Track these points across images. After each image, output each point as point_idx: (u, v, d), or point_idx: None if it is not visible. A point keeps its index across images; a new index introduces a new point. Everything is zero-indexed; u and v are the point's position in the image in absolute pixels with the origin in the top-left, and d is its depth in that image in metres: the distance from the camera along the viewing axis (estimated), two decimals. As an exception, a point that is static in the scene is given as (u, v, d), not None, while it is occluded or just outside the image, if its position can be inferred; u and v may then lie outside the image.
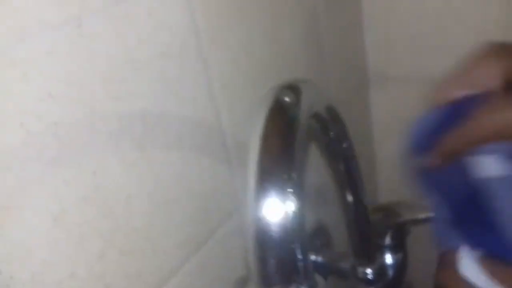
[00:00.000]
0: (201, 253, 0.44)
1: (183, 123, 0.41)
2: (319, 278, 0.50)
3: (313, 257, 0.50)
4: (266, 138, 0.31)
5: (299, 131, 0.31)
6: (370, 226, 0.45)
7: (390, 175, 0.80)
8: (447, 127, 0.32)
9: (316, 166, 0.55)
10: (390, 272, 0.52)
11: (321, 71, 0.62)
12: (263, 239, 0.28)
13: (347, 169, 0.41)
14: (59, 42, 0.30)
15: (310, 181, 0.55)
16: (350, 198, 0.42)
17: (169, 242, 0.40)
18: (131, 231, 0.37)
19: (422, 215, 0.58)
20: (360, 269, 0.47)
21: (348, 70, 0.69)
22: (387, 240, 0.54)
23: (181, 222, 0.42)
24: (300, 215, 0.28)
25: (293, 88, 0.34)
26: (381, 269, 0.47)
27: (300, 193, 0.29)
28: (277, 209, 0.28)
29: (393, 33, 0.69)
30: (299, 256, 0.27)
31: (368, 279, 0.47)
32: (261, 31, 0.49)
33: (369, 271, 0.47)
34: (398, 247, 0.55)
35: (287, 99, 0.32)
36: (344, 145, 0.40)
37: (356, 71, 0.72)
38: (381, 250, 0.52)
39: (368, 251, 0.47)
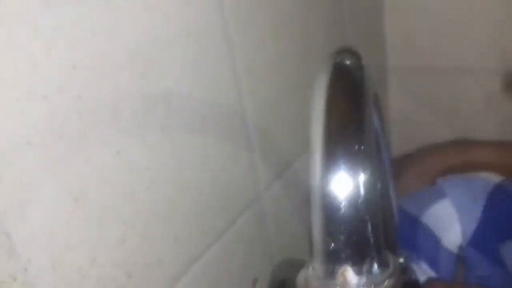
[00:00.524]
0: (222, 241, 0.42)
1: (206, 106, 0.39)
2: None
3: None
4: (331, 103, 0.27)
5: (369, 97, 0.28)
6: (397, 214, 0.43)
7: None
8: None
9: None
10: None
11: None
12: (331, 217, 0.25)
13: (379, 155, 0.39)
14: (85, 11, 0.28)
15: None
16: (379, 183, 0.40)
17: (190, 229, 0.39)
18: (152, 216, 0.35)
19: None
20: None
21: (368, 60, 0.67)
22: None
23: (203, 209, 0.40)
24: (373, 189, 0.25)
25: (353, 52, 0.30)
26: (404, 262, 0.45)
27: (373, 165, 0.26)
28: (347, 183, 0.25)
29: (413, 24, 0.68)
30: (371, 233, 0.25)
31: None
32: (288, 15, 0.47)
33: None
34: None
35: (349, 62, 0.29)
36: (379, 128, 0.37)
37: (376, 61, 0.70)
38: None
39: (393, 243, 0.45)
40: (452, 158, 0.65)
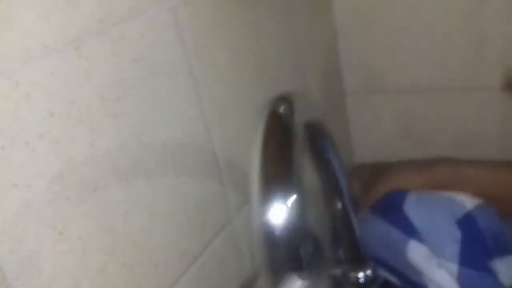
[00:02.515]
0: (198, 264, 0.45)
1: (175, 140, 0.42)
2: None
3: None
4: (266, 147, 0.33)
5: (296, 139, 0.33)
6: (359, 230, 0.47)
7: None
8: None
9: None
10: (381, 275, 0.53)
11: (302, 87, 0.64)
12: (270, 240, 0.31)
13: (334, 174, 0.43)
14: (60, 63, 0.31)
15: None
16: (339, 203, 0.44)
17: (167, 254, 0.41)
18: (130, 245, 0.38)
19: None
20: (352, 274, 0.48)
21: (326, 84, 0.71)
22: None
23: (177, 235, 0.43)
24: (303, 215, 0.31)
25: (287, 99, 0.36)
26: (372, 273, 0.49)
27: (301, 196, 0.32)
28: (281, 212, 0.31)
29: (366, 49, 0.72)
30: (304, 250, 0.30)
31: (360, 283, 0.48)
32: (247, 50, 0.51)
33: (360, 275, 0.48)
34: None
35: (282, 109, 0.35)
36: (331, 153, 0.41)
37: (333, 84, 0.74)
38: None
39: (359, 256, 0.48)
40: (437, 174, 0.63)
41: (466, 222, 0.57)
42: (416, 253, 0.57)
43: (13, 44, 0.28)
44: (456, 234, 0.57)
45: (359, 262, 0.50)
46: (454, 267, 0.55)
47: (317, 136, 0.42)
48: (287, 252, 0.30)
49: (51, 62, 0.30)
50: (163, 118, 0.40)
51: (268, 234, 0.31)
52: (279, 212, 0.31)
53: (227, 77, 0.48)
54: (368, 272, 0.50)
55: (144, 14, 0.37)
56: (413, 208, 0.59)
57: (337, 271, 0.50)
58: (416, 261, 0.57)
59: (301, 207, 0.31)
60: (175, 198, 0.42)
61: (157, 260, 0.40)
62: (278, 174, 0.32)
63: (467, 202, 0.59)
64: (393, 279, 0.59)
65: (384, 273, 0.59)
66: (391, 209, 0.60)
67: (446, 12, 0.65)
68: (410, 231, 0.58)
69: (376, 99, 0.75)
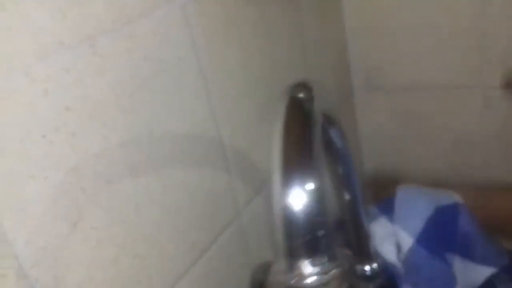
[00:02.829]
0: (206, 257, 0.46)
1: (185, 135, 0.43)
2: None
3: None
4: (287, 132, 0.34)
5: (316, 125, 0.34)
6: (366, 225, 0.47)
7: (379, 179, 0.83)
8: None
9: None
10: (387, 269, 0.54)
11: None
12: (290, 223, 0.32)
13: (344, 169, 0.43)
14: (75, 60, 0.32)
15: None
16: (347, 195, 0.45)
17: (175, 248, 0.42)
18: (141, 238, 0.39)
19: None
20: (358, 267, 0.49)
21: (334, 80, 0.72)
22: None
23: (186, 228, 0.44)
24: (322, 199, 0.32)
25: (306, 86, 0.37)
26: (378, 266, 0.49)
27: (321, 182, 0.32)
28: (301, 197, 0.32)
29: (374, 45, 0.73)
30: (323, 234, 0.31)
31: (367, 276, 0.49)
32: (256, 47, 0.51)
33: (367, 268, 0.49)
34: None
35: (302, 95, 0.36)
36: (341, 143, 0.42)
37: (342, 83, 0.75)
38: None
39: (365, 249, 0.49)
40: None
41: (444, 211, 0.57)
42: (379, 225, 0.57)
43: (30, 41, 0.29)
44: (427, 214, 0.56)
45: (366, 255, 0.51)
46: (409, 240, 0.55)
47: (328, 126, 0.43)
48: (305, 237, 0.31)
49: (66, 58, 0.31)
50: (173, 113, 0.41)
51: (287, 218, 0.32)
52: (299, 198, 0.32)
53: (236, 74, 0.49)
54: (375, 265, 0.51)
55: (155, 13, 0.38)
56: (401, 196, 0.59)
57: (344, 263, 0.51)
58: (377, 233, 0.57)
59: (321, 194, 0.32)
60: (184, 191, 0.43)
61: (167, 252, 0.41)
62: (299, 159, 0.33)
63: (456, 197, 0.59)
64: None
65: None
66: (386, 201, 0.60)
67: (451, 12, 0.65)
68: (387, 211, 0.58)
69: (382, 96, 0.75)
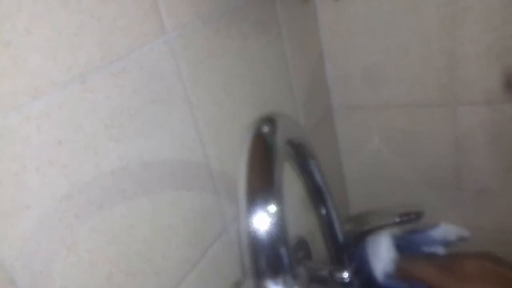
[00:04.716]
0: (196, 271, 0.46)
1: (174, 158, 0.43)
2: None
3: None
4: (250, 164, 0.36)
5: (277, 156, 0.34)
6: (342, 234, 0.48)
7: (358, 190, 0.83)
8: None
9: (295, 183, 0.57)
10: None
11: (292, 104, 0.65)
12: (255, 245, 0.33)
13: (316, 184, 0.44)
14: (67, 97, 0.32)
15: (294, 196, 0.58)
16: (323, 210, 0.46)
17: (167, 263, 0.42)
18: (134, 255, 0.39)
19: (386, 222, 0.62)
20: (337, 274, 0.50)
21: (314, 102, 0.72)
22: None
23: (177, 245, 0.44)
24: (283, 223, 0.33)
25: (270, 120, 0.38)
26: (356, 272, 0.50)
27: (282, 206, 0.34)
28: (264, 221, 0.33)
29: (349, 68, 0.73)
30: (284, 255, 0.33)
31: (345, 282, 0.49)
32: (239, 74, 0.52)
33: (345, 275, 0.49)
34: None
35: (265, 129, 0.36)
36: (312, 163, 0.43)
37: (321, 102, 0.75)
38: (355, 255, 0.54)
39: (343, 257, 0.50)
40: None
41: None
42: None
43: (23, 82, 0.29)
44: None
45: (344, 262, 0.51)
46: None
47: (301, 154, 0.44)
48: (269, 257, 0.32)
49: (58, 96, 0.32)
50: (162, 139, 0.42)
51: (252, 240, 0.33)
52: (263, 220, 0.33)
53: (221, 99, 0.49)
54: (349, 271, 0.52)
55: (142, 48, 0.38)
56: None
57: (324, 273, 0.51)
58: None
59: (282, 216, 0.33)
60: (175, 211, 0.43)
61: (158, 268, 0.41)
62: (261, 187, 0.34)
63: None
64: None
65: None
66: None
67: (421, 35, 0.66)
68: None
69: (359, 114, 0.76)
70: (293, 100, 0.65)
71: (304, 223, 0.63)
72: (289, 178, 0.56)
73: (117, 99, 0.36)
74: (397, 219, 0.59)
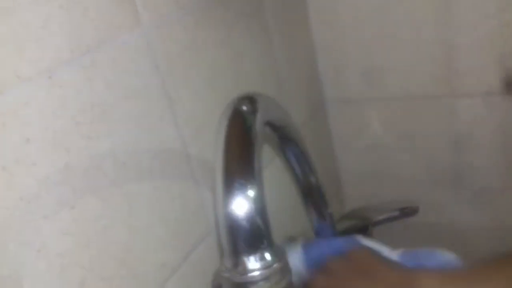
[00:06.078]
0: (178, 274, 0.46)
1: (152, 156, 0.44)
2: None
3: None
4: (228, 144, 0.36)
5: (257, 136, 0.35)
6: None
7: (353, 186, 0.84)
8: None
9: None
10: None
11: (280, 97, 0.65)
12: (232, 222, 0.34)
13: (299, 166, 0.46)
14: (34, 93, 0.32)
15: (286, 197, 0.59)
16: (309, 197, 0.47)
17: (146, 267, 0.43)
18: (109, 259, 0.39)
19: (381, 217, 0.63)
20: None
21: (306, 95, 0.73)
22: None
23: (157, 247, 0.44)
24: (261, 200, 0.34)
25: (250, 99, 0.38)
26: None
27: (260, 184, 0.35)
28: (242, 198, 0.34)
29: (342, 60, 0.74)
30: (262, 231, 0.34)
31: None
32: (222, 68, 0.52)
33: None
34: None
35: (245, 108, 0.37)
36: (294, 145, 0.44)
37: (312, 95, 0.76)
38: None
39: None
40: None
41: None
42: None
43: (-13, 78, 0.30)
44: None
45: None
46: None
47: (283, 136, 0.45)
48: (247, 235, 0.34)
49: (25, 91, 0.32)
50: (139, 137, 0.42)
51: (230, 217, 0.34)
52: (240, 198, 0.34)
53: (202, 94, 0.49)
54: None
55: (115, 41, 0.39)
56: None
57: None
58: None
59: (261, 193, 0.34)
60: (154, 211, 0.44)
61: (136, 272, 0.42)
62: (239, 169, 0.35)
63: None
64: None
65: None
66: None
67: (415, 23, 0.67)
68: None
69: (353, 107, 0.77)
70: (282, 93, 0.66)
71: (295, 223, 0.64)
72: (286, 179, 0.56)
73: (88, 94, 0.37)
74: (392, 214, 0.60)
